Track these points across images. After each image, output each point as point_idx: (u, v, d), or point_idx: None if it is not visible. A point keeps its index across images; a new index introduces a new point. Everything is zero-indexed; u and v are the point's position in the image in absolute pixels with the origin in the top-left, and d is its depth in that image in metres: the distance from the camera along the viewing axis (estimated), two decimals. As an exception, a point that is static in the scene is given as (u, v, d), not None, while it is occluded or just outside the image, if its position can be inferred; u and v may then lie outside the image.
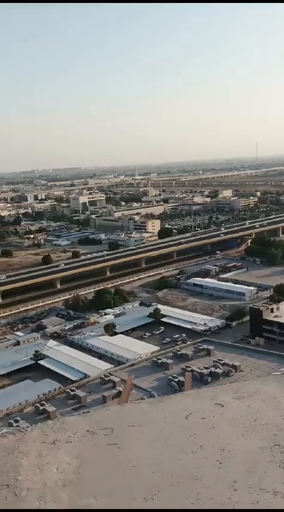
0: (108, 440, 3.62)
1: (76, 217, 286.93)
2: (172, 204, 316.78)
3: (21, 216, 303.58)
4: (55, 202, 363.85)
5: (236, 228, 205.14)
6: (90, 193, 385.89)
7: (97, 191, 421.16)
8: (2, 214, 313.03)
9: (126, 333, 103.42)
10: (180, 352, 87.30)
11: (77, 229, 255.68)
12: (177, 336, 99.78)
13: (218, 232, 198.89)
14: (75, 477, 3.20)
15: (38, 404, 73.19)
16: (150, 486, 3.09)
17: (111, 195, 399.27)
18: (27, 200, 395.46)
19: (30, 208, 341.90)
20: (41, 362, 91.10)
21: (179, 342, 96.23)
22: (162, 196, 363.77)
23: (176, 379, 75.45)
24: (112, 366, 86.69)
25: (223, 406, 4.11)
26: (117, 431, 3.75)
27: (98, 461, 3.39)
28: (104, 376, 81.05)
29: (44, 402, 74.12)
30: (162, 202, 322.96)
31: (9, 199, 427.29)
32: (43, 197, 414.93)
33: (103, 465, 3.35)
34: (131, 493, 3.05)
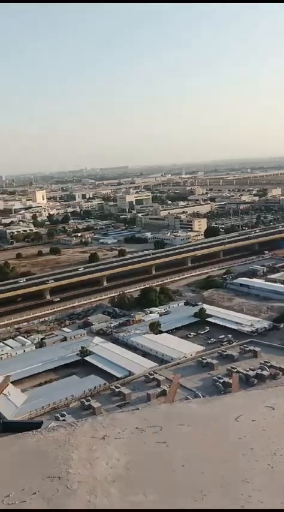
0: (156, 438, 3.63)
1: (123, 216, 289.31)
2: (219, 203, 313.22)
3: (69, 214, 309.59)
4: (102, 201, 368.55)
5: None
6: (137, 192, 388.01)
7: (143, 190, 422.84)
8: (51, 212, 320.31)
9: (170, 332, 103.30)
10: (225, 353, 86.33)
11: (124, 227, 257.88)
12: (223, 336, 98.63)
13: (266, 232, 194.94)
14: (125, 473, 3.22)
15: (84, 400, 74.49)
16: (199, 487, 3.06)
17: (158, 194, 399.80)
18: (75, 199, 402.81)
19: (78, 207, 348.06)
20: (87, 358, 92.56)
21: (225, 343, 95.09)
22: (209, 195, 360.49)
23: (221, 380, 74.66)
24: (157, 364, 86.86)
25: (274, 409, 4.02)
26: (165, 429, 3.75)
27: (147, 459, 3.40)
28: (149, 374, 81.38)
29: (89, 398, 75.35)
30: (208, 201, 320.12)
31: (58, 198, 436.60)
32: (91, 196, 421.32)
33: (152, 463, 3.35)
34: (180, 492, 3.04)
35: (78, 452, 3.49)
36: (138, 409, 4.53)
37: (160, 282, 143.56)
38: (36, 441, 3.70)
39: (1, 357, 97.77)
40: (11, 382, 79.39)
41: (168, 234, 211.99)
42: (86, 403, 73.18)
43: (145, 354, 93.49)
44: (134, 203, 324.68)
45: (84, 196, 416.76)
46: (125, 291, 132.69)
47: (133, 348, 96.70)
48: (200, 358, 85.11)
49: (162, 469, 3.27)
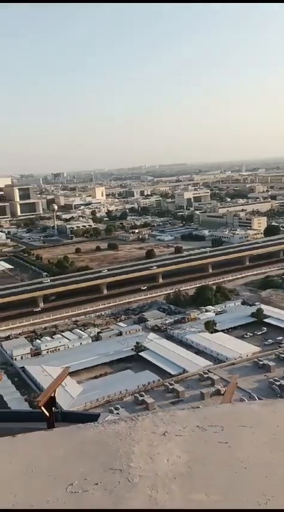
0: (218, 438, 3.57)
1: (181, 213, 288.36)
2: (280, 201, 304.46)
3: (127, 211, 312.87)
4: (160, 198, 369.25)
5: None
6: (195, 189, 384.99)
7: (202, 187, 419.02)
8: (110, 208, 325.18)
9: (226, 331, 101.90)
10: (283, 355, 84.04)
11: (181, 225, 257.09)
12: (281, 338, 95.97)
13: None
14: (186, 471, 3.19)
15: (138, 395, 75.22)
16: (262, 490, 2.98)
17: (216, 191, 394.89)
18: (133, 196, 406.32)
19: (136, 203, 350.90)
20: (142, 354, 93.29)
21: (283, 345, 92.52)
22: (269, 193, 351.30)
23: (278, 383, 72.80)
24: (211, 363, 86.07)
25: None
26: (227, 430, 3.68)
27: (208, 458, 3.35)
28: (203, 373, 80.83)
29: (143, 393, 76.01)
30: (269, 199, 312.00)
31: (116, 195, 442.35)
32: (149, 193, 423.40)
33: (213, 462, 3.30)
34: (243, 494, 2.97)
35: (139, 446, 3.50)
36: (199, 407, 4.49)
37: (216, 281, 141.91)
38: (98, 432, 3.75)
39: (59, 348, 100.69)
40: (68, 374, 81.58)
41: (226, 232, 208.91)
42: (140, 398, 73.86)
43: (199, 352, 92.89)
44: (192, 200, 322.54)
45: (142, 193, 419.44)
46: (181, 289, 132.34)
47: (188, 346, 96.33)
48: (256, 359, 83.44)
49: (224, 469, 3.21)
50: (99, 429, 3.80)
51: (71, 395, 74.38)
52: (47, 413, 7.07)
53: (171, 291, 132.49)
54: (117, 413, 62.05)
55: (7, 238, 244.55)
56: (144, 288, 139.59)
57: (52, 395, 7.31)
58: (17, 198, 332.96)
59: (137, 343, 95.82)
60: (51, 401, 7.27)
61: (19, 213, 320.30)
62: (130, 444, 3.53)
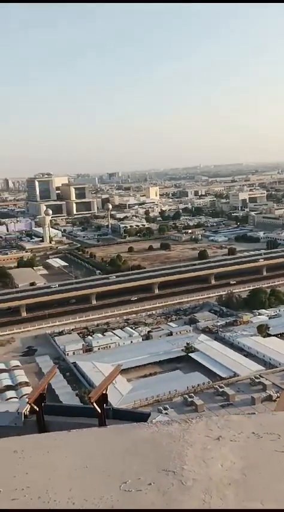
0: (274, 446, 3.47)
1: (235, 214, 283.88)
2: None
3: (180, 211, 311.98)
4: (214, 198, 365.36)
5: None
6: (251, 190, 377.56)
7: (258, 188, 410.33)
8: (163, 208, 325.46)
9: (280, 336, 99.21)
10: None
11: (235, 225, 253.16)
12: None
13: None
14: (241, 478, 3.12)
15: (187, 396, 74.82)
16: None
17: (273, 192, 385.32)
18: (187, 196, 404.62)
19: (189, 203, 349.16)
20: (192, 355, 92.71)
21: None
22: None
23: None
24: (263, 368, 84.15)
25: None
26: None
27: (265, 466, 3.26)
28: (254, 377, 79.19)
29: (192, 394, 75.51)
30: None
31: (170, 195, 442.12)
32: (203, 193, 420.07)
33: (270, 471, 3.21)
34: None
35: (192, 449, 3.47)
36: (254, 413, 4.38)
37: (271, 284, 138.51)
38: (151, 433, 3.75)
39: (110, 346, 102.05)
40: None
41: (282, 234, 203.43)
42: (189, 400, 73.45)
43: (250, 356, 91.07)
44: (247, 201, 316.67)
45: (196, 193, 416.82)
46: (233, 291, 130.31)
47: (239, 349, 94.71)
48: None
49: (281, 479, 3.12)
50: (153, 429, 3.80)
51: (121, 392, 75.13)
52: (99, 410, 7.17)
53: (224, 292, 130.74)
54: (166, 413, 62.02)
55: (63, 236, 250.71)
56: (197, 288, 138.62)
57: (104, 392, 7.41)
58: (73, 197, 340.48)
59: (187, 344, 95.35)
60: (103, 398, 7.37)
61: (75, 212, 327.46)
62: (184, 446, 3.50)
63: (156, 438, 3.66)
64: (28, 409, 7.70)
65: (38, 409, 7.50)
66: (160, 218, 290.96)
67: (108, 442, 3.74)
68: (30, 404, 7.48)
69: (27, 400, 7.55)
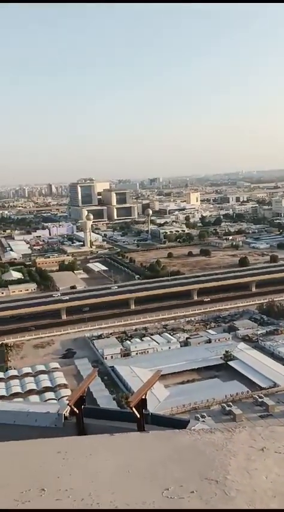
0: None
1: (278, 221, 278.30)
2: None
3: (221, 217, 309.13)
4: (256, 205, 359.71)
5: None
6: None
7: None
8: (204, 214, 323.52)
9: None
10: None
11: (278, 233, 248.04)
12: None
13: None
14: None
15: (225, 405, 73.74)
16: None
17: None
18: (228, 202, 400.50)
19: (231, 209, 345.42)
20: (230, 363, 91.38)
21: None
22: None
23: None
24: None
25: None
26: None
27: None
28: (295, 388, 77.20)
29: (230, 403, 74.36)
30: None
31: (211, 201, 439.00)
32: (245, 199, 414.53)
33: None
34: None
35: (235, 459, 3.40)
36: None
37: None
38: (193, 440, 3.71)
39: (147, 351, 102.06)
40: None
41: None
42: (227, 409, 72.36)
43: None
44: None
45: (238, 199, 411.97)
46: (275, 299, 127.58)
47: (280, 359, 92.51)
48: None
49: None
50: (195, 437, 3.75)
51: (158, 398, 74.89)
52: (138, 415, 7.17)
53: (264, 300, 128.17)
54: (203, 421, 61.35)
55: (103, 240, 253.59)
56: (236, 295, 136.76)
57: (143, 397, 7.40)
58: (114, 202, 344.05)
59: (226, 351, 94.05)
60: (142, 403, 7.36)
61: (115, 217, 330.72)
62: (227, 456, 3.44)
63: (199, 446, 3.61)
64: (68, 411, 7.78)
65: (77, 411, 7.59)
66: (200, 224, 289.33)
67: (150, 447, 3.72)
68: (70, 406, 7.57)
69: (67, 401, 7.65)
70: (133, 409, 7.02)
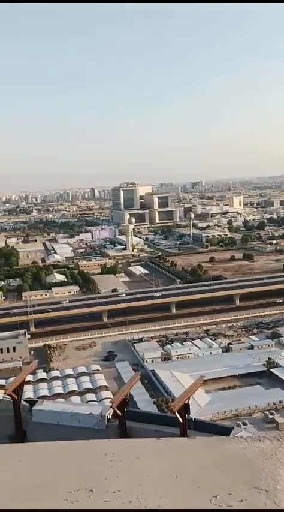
0: None
1: None
2: None
3: (265, 221, 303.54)
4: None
5: None
6: None
7: None
8: (247, 218, 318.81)
9: None
10: None
11: None
12: None
13: None
14: None
15: (267, 413, 72.18)
16: None
17: None
18: (273, 205, 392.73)
19: (275, 213, 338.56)
20: (273, 370, 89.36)
21: None
22: None
23: None
24: None
25: None
26: None
27: None
28: None
29: (273, 411, 72.71)
30: None
31: (255, 204, 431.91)
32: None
33: None
34: None
35: None
36: None
37: None
38: (241, 448, 3.65)
39: (188, 356, 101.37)
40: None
41: None
42: (270, 417, 70.80)
43: None
44: None
45: (282, 203, 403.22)
46: None
47: None
48: None
49: None
50: (243, 444, 3.69)
51: (198, 404, 74.15)
52: (181, 420, 7.12)
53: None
54: (245, 428, 60.30)
55: (145, 244, 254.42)
56: (280, 301, 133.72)
57: (186, 402, 7.35)
58: (156, 206, 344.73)
59: (269, 358, 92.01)
60: (185, 408, 7.31)
61: (157, 220, 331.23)
62: (276, 465, 3.35)
63: (247, 454, 3.55)
64: (111, 413, 7.84)
65: (120, 414, 7.63)
66: (243, 228, 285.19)
67: (198, 453, 3.69)
68: (113, 408, 7.63)
69: (110, 404, 7.71)
70: (177, 414, 7.00)
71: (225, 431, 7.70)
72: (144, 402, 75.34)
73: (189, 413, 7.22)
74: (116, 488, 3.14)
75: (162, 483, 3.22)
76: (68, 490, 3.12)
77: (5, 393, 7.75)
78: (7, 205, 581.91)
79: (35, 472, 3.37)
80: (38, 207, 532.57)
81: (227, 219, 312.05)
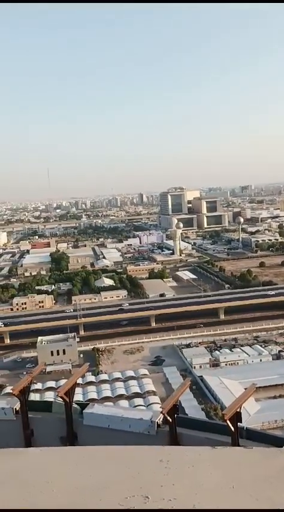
0: None
1: None
2: None
3: None
4: None
5: None
6: None
7: None
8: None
9: None
10: None
11: None
12: None
13: None
14: None
15: None
16: None
17: None
18: None
19: None
20: None
21: None
22: None
23: None
24: None
25: None
26: None
27: None
28: None
29: None
30: None
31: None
32: None
33: None
34: None
35: None
36: None
37: None
38: None
39: (237, 362, 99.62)
40: (245, 389, 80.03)
41: None
42: None
43: None
44: None
45: None
46: None
47: None
48: None
49: None
50: None
51: (248, 412, 72.60)
52: (233, 428, 6.94)
53: None
54: None
55: (193, 249, 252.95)
56: None
57: (238, 410, 7.15)
58: (204, 211, 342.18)
59: None
60: (237, 416, 7.11)
61: (205, 225, 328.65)
62: None
63: None
64: (161, 419, 7.77)
65: (171, 420, 7.54)
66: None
67: (255, 464, 3.57)
68: (164, 414, 7.54)
69: (161, 410, 7.63)
70: (228, 422, 6.82)
71: (280, 442, 7.45)
72: (192, 408, 74.64)
73: (241, 422, 7.03)
74: (172, 496, 3.08)
75: (218, 493, 3.14)
76: (124, 495, 3.10)
77: (57, 395, 7.86)
78: (58, 211, 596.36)
79: (90, 475, 3.38)
80: (87, 213, 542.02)
81: (278, 223, 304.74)
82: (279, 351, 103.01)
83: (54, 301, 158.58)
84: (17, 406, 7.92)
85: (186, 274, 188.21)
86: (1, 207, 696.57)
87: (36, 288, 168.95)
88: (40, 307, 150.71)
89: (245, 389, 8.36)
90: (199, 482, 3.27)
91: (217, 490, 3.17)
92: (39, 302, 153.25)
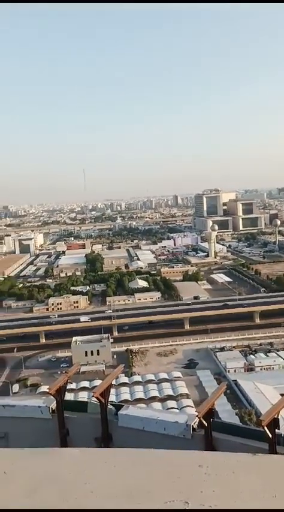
0: None
1: None
2: None
3: None
4: None
5: None
6: None
7: None
8: None
9: None
10: None
11: None
12: None
13: None
14: None
15: None
16: None
17: None
18: None
19: None
20: None
21: None
22: None
23: None
24: None
25: None
26: None
27: None
28: None
29: None
30: None
31: None
32: None
33: None
34: None
35: None
36: None
37: None
38: None
39: (273, 367, 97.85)
40: (281, 395, 78.51)
41: None
42: None
43: None
44: None
45: None
46: None
47: None
48: None
49: None
50: None
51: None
52: (270, 435, 6.79)
53: None
54: None
55: (228, 251, 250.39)
56: None
57: (276, 416, 7.00)
58: (240, 213, 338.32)
59: None
60: (275, 423, 6.96)
61: (241, 227, 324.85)
62: None
63: None
64: (196, 423, 7.69)
65: (206, 424, 7.45)
66: None
67: None
68: (199, 418, 7.46)
69: (196, 413, 7.55)
70: (266, 428, 6.68)
71: None
72: (226, 413, 73.70)
73: (279, 428, 6.89)
74: (212, 502, 3.02)
75: (259, 502, 3.05)
76: (164, 499, 3.06)
77: (92, 396, 7.91)
78: (93, 212, 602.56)
79: (129, 478, 3.36)
80: (122, 215, 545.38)
81: None
82: None
83: (88, 302, 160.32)
84: (53, 405, 8.02)
85: (221, 277, 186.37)
86: (38, 209, 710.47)
87: (71, 288, 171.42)
88: (75, 307, 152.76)
89: (281, 395, 8.19)
90: (239, 490, 3.20)
91: (258, 499, 3.09)
92: (74, 302, 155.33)
